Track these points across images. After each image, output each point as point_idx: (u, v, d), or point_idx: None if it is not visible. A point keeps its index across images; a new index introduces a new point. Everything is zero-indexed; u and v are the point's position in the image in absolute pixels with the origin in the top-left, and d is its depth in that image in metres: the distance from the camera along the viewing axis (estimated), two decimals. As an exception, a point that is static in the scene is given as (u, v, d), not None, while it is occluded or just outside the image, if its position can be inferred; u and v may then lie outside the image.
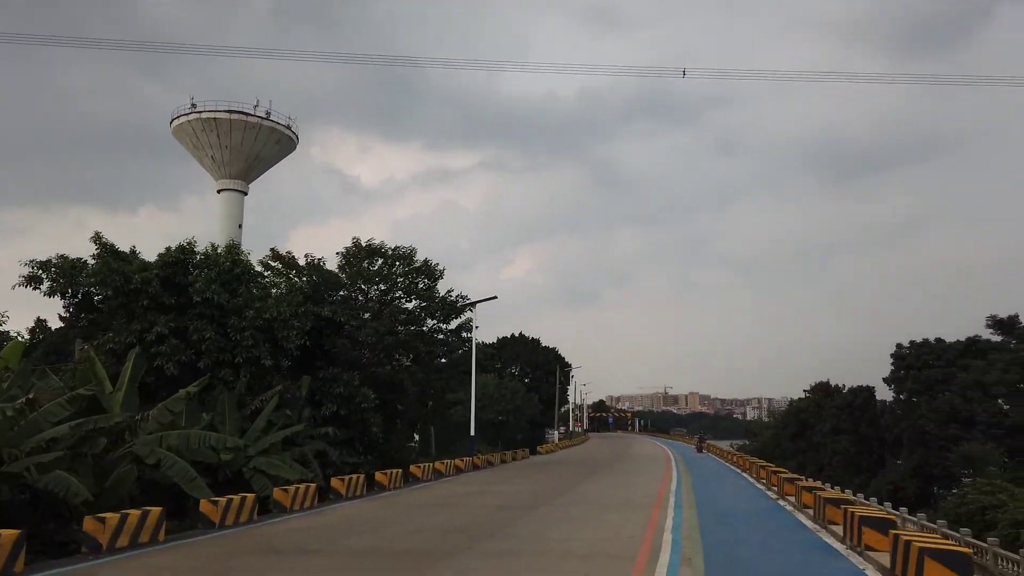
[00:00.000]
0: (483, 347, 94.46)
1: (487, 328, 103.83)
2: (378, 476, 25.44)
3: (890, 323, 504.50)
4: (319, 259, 33.29)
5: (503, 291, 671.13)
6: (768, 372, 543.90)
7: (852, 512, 14.93)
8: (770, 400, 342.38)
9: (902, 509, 40.43)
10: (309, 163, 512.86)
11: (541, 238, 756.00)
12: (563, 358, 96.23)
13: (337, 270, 35.39)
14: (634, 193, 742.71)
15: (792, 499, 22.55)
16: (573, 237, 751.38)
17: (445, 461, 31.69)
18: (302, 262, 33.18)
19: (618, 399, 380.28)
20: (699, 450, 55.30)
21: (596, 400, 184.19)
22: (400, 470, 26.55)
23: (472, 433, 40.73)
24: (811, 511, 19.92)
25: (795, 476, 27.40)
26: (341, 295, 33.68)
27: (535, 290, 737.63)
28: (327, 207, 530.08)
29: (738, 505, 21.34)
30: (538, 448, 50.19)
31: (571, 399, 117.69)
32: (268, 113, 57.99)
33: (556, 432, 62.22)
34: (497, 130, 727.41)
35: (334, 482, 22.61)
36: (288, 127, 59.91)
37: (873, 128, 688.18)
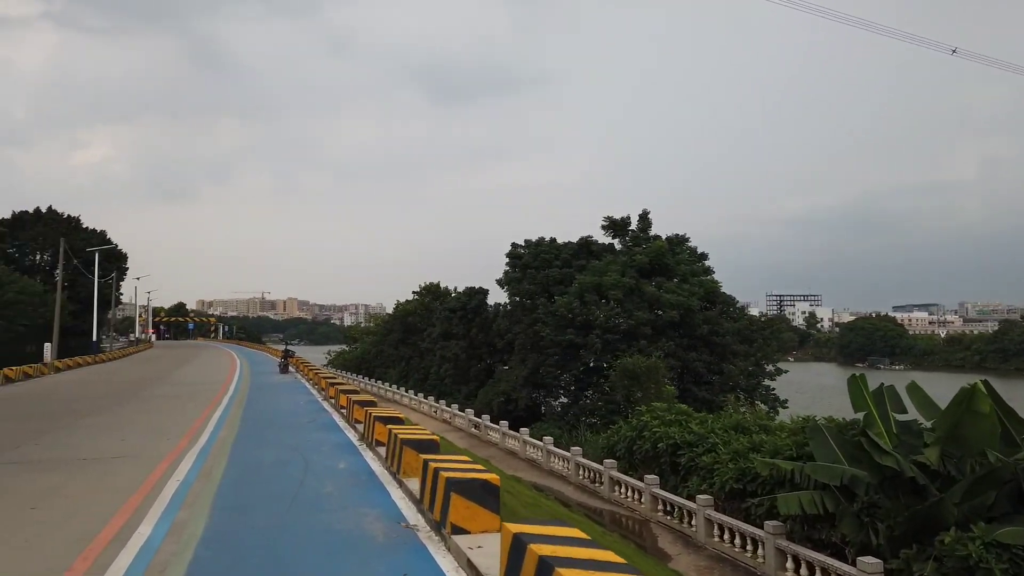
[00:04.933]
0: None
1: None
2: None
3: (483, 236, 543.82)
4: None
5: (75, 179, 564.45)
6: (367, 279, 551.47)
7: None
8: (367, 306, 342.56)
9: (523, 429, 30.00)
10: None
11: (125, 119, 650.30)
12: (115, 245, 71.04)
13: None
14: (240, 82, 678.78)
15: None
16: (166, 122, 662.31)
17: None
18: None
19: (211, 303, 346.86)
20: (283, 369, 38.92)
21: (176, 303, 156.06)
22: None
23: None
24: None
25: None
26: None
27: (118, 180, 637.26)
28: None
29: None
30: None
31: (124, 299, 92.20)
32: None
33: (51, 345, 40.64)
34: None
35: None
36: None
37: (469, 55, 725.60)
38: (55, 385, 29.05)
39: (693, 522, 19.25)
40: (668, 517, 20.59)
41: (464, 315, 60.85)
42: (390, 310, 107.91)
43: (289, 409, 19.64)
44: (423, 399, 43.79)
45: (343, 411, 16.98)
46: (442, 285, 73.16)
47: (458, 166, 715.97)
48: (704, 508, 18.77)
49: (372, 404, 14.39)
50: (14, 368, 31.18)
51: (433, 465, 7.28)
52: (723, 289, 54.14)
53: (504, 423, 33.02)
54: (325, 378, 23.99)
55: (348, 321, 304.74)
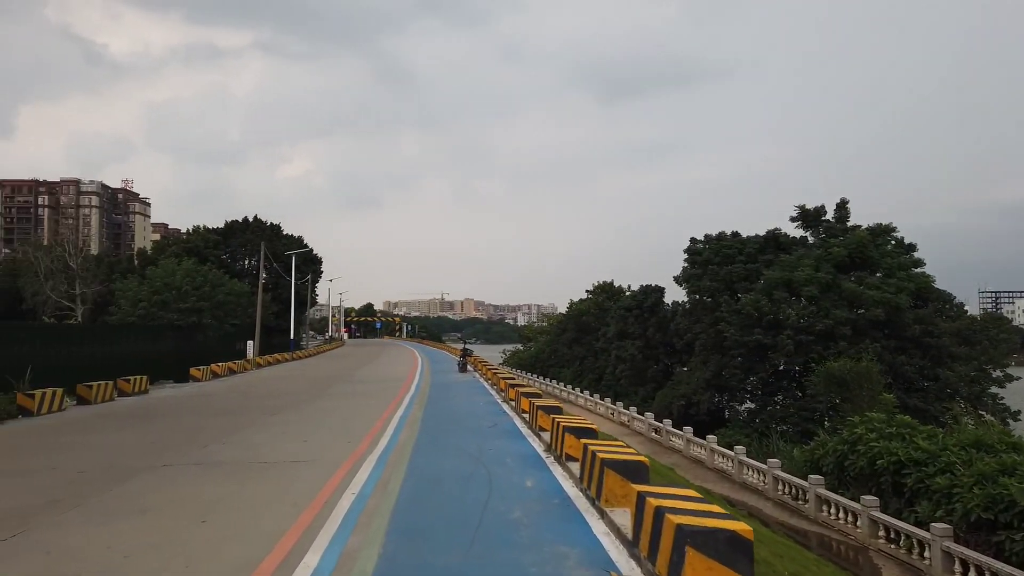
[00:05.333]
0: (203, 232, 71.58)
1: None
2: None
3: (655, 233, 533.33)
4: None
5: (281, 192, 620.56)
6: (538, 279, 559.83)
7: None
8: (539, 306, 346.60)
9: (709, 437, 27.30)
10: (42, 24, 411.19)
11: (321, 135, 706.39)
12: (311, 249, 75.85)
13: None
14: (419, 95, 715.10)
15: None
16: (355, 137, 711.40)
17: None
18: None
19: (396, 304, 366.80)
20: (462, 368, 38.61)
21: (365, 304, 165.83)
22: None
23: None
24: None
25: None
26: None
27: (315, 192, 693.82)
28: (64, 80, 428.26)
29: None
30: (191, 371, 30.94)
31: (319, 300, 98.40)
32: None
33: (252, 342, 43.22)
34: (274, 6, 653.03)
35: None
36: None
37: (638, 52, 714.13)
38: (254, 381, 30.57)
39: (926, 554, 16.14)
40: (892, 546, 17.49)
41: (640, 314, 58.49)
42: (562, 310, 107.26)
43: (469, 411, 18.72)
44: (599, 400, 42.09)
45: (525, 416, 15.72)
46: (615, 284, 71.20)
47: (628, 164, 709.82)
48: (941, 539, 15.63)
49: (557, 411, 12.90)
50: (220, 364, 33.33)
51: (653, 502, 5.54)
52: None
53: (688, 429, 30.68)
54: (504, 378, 22.97)
55: (521, 321, 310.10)
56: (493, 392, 24.81)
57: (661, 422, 32.95)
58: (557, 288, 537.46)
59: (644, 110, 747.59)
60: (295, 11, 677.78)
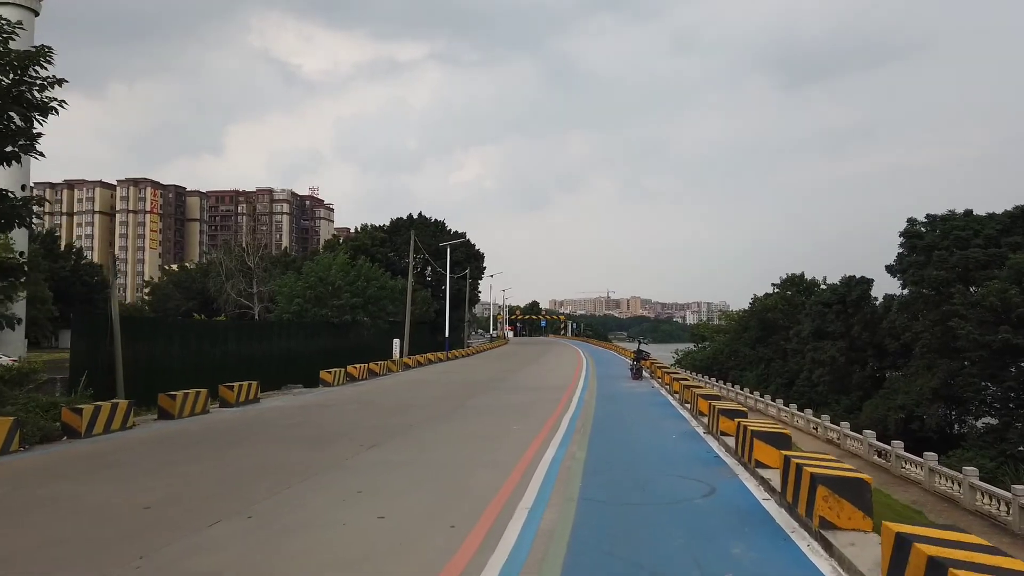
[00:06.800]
0: (370, 230, 70.13)
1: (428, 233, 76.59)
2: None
3: (837, 229, 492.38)
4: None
5: (453, 196, 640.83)
6: (708, 277, 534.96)
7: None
8: (709, 304, 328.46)
9: (967, 469, 18.69)
10: (248, 51, 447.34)
11: (492, 140, 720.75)
12: (470, 242, 72.22)
13: None
14: (588, 94, 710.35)
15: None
16: (525, 140, 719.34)
17: None
18: None
19: (561, 303, 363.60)
20: (636, 374, 31.56)
21: (530, 302, 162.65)
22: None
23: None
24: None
25: None
26: None
27: (486, 195, 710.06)
28: (266, 100, 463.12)
29: None
30: (321, 375, 26.48)
31: (481, 298, 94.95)
32: None
33: (400, 341, 38.99)
34: (449, 17, 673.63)
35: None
36: None
37: (823, 32, 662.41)
38: (389, 387, 25.89)
39: None
40: None
41: (842, 310, 48.78)
42: (735, 307, 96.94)
43: (658, 452, 12.17)
44: (796, 411, 33.96)
45: (764, 474, 8.83)
46: (806, 276, 61.10)
47: (811, 152, 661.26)
48: None
49: (860, 491, 6.00)
50: (358, 366, 29.04)
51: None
52: None
53: (931, 455, 22.37)
54: (704, 396, 15.80)
55: (690, 319, 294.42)
56: (685, 412, 18.12)
57: (890, 443, 24.77)
58: (729, 285, 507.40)
59: (829, 94, 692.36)
60: (468, 20, 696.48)
